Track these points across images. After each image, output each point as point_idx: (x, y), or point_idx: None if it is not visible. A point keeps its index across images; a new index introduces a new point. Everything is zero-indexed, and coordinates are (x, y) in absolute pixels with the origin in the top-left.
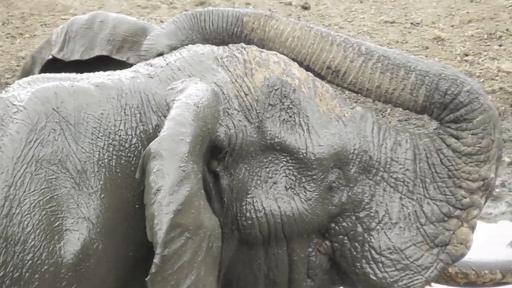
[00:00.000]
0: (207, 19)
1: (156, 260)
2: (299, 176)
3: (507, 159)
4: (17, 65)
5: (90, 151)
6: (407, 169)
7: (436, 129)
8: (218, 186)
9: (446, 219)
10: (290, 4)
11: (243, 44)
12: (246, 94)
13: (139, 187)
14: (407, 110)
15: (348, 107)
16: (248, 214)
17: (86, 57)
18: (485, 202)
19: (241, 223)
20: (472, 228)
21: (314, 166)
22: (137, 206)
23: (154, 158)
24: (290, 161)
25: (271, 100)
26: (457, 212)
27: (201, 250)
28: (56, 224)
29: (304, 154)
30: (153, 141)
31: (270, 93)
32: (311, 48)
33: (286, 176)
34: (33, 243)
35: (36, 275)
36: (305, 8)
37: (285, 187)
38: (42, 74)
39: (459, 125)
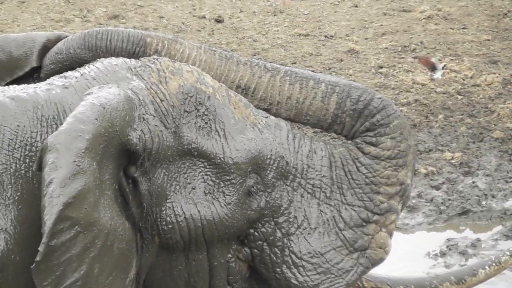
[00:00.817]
0: (103, 38)
1: (41, 248)
2: (217, 181)
3: (423, 171)
4: None
5: (7, 162)
6: (324, 176)
7: (351, 140)
8: (137, 191)
9: (364, 224)
10: (204, 17)
11: (155, 56)
12: (161, 100)
13: None
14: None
15: (262, 115)
16: (168, 219)
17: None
18: (402, 208)
19: (161, 228)
20: (390, 233)
21: (232, 170)
22: None
23: (50, 151)
24: (207, 166)
25: (187, 106)
26: (375, 217)
27: (94, 246)
28: None
29: (222, 159)
30: (50, 135)
31: (185, 100)
32: (219, 70)
33: (204, 182)
34: None
35: None
36: (219, 21)
37: (204, 192)
38: None
39: (376, 131)
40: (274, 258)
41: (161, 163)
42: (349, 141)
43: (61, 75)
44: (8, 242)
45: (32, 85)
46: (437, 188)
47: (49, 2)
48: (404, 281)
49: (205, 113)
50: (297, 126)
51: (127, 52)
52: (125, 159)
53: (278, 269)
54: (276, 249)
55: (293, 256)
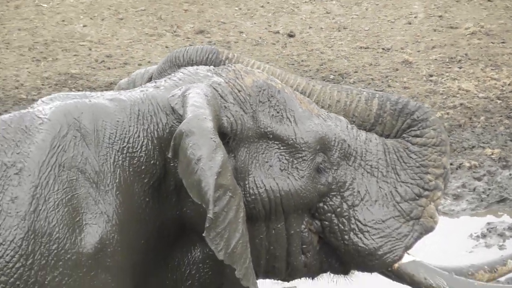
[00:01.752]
0: (184, 55)
1: (209, 215)
2: (291, 159)
3: (467, 164)
4: (42, 84)
5: (107, 154)
6: (380, 158)
7: (396, 137)
8: None
9: (417, 198)
10: (278, 32)
11: (230, 64)
12: (239, 91)
13: (149, 182)
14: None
15: (324, 110)
16: (251, 191)
17: None
18: (444, 189)
19: (246, 199)
20: (437, 206)
21: (303, 149)
22: (147, 199)
23: (187, 136)
24: (281, 147)
25: (261, 97)
26: (426, 192)
27: (240, 208)
28: (77, 219)
29: (294, 140)
30: (181, 124)
31: (259, 92)
32: (280, 77)
33: (279, 161)
34: (57, 235)
35: (60, 262)
36: (291, 36)
37: (280, 169)
38: (62, 93)
39: (419, 125)
40: (342, 227)
41: (244, 143)
42: (397, 138)
43: (151, 82)
44: (107, 224)
45: (126, 90)
46: (479, 179)
47: (144, 19)
48: (444, 269)
49: (277, 104)
50: None
51: (201, 58)
52: None
53: (346, 236)
54: (344, 219)
55: (359, 223)
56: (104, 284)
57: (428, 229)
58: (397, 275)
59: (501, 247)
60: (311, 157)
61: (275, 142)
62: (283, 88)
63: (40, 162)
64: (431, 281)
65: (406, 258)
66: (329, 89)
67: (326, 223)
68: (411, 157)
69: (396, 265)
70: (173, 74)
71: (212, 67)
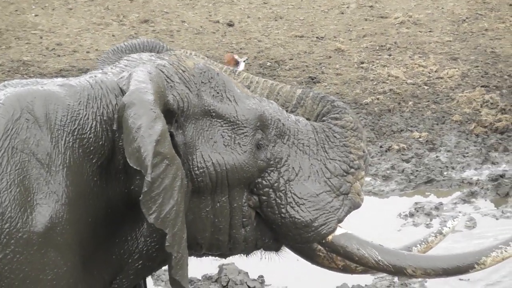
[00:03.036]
0: (128, 47)
1: (147, 178)
2: (233, 135)
3: (396, 147)
4: None
5: (58, 136)
6: (310, 137)
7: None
8: (174, 144)
9: (345, 174)
10: (218, 22)
11: (170, 50)
12: (183, 71)
13: (98, 162)
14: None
15: (256, 95)
16: (199, 165)
17: None
18: (365, 173)
19: (194, 173)
20: (362, 185)
21: (244, 125)
22: (95, 178)
23: (128, 107)
24: (224, 125)
25: (202, 78)
26: (352, 170)
27: (177, 177)
28: (29, 199)
29: (235, 117)
30: (124, 96)
31: (200, 74)
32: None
33: (222, 137)
34: (10, 214)
35: (12, 241)
36: (230, 25)
37: (224, 144)
38: (15, 80)
39: (339, 110)
40: (279, 201)
41: (191, 119)
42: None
43: (98, 69)
44: (56, 203)
45: (74, 77)
46: (407, 161)
47: (92, 9)
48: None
49: (216, 85)
50: None
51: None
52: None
53: (283, 210)
54: (281, 193)
55: (295, 197)
56: (54, 261)
57: (356, 205)
58: (330, 248)
59: (428, 226)
60: (252, 133)
61: (218, 120)
62: (220, 71)
63: None
64: (363, 251)
65: (338, 231)
66: (265, 81)
67: (264, 197)
68: (335, 137)
69: (330, 237)
70: (118, 62)
71: (154, 53)
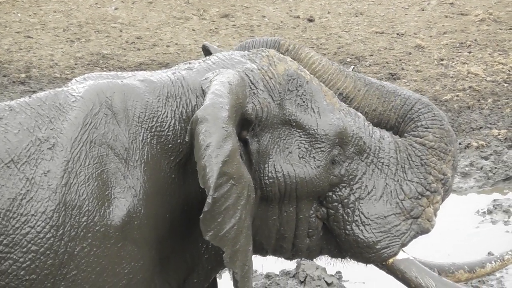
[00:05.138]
0: (250, 46)
1: (208, 200)
2: (310, 148)
3: (475, 144)
4: (75, 64)
5: (136, 132)
6: (391, 157)
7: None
8: (247, 151)
9: (419, 197)
10: (298, 17)
11: (263, 48)
12: (270, 78)
13: (175, 159)
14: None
15: (345, 105)
16: (270, 174)
17: None
18: (443, 198)
19: (264, 182)
20: (436, 210)
21: (323, 140)
22: (173, 176)
23: (201, 122)
24: (302, 136)
25: (290, 86)
26: (427, 193)
27: (243, 196)
28: (107, 192)
29: (315, 130)
30: (198, 110)
31: (289, 81)
32: (331, 76)
33: (299, 148)
34: (87, 208)
35: (89, 234)
36: (310, 20)
37: (298, 156)
38: (95, 73)
39: (424, 124)
40: (346, 217)
41: (268, 129)
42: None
43: (185, 63)
44: (134, 198)
45: (158, 71)
46: (486, 158)
47: (172, 3)
48: (427, 265)
49: (304, 94)
50: None
51: None
52: (240, 125)
53: (348, 227)
54: (349, 210)
55: (362, 216)
56: (130, 255)
57: (424, 231)
58: (389, 270)
59: (506, 223)
60: (328, 149)
61: (297, 130)
62: (311, 79)
63: (72, 138)
64: (421, 280)
65: (400, 255)
66: (371, 95)
67: (332, 211)
68: (416, 154)
69: (390, 260)
70: (207, 57)
71: (247, 52)
